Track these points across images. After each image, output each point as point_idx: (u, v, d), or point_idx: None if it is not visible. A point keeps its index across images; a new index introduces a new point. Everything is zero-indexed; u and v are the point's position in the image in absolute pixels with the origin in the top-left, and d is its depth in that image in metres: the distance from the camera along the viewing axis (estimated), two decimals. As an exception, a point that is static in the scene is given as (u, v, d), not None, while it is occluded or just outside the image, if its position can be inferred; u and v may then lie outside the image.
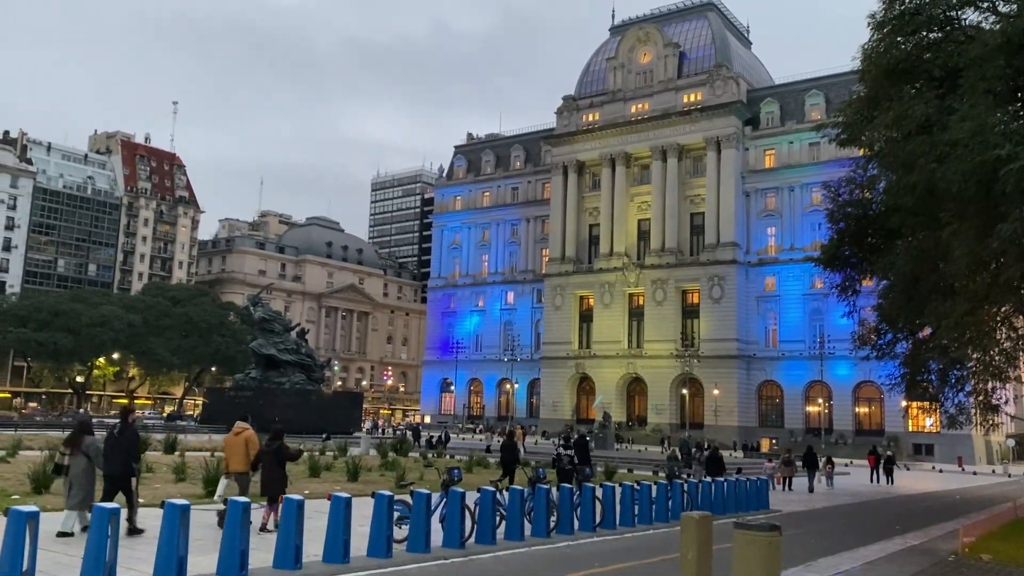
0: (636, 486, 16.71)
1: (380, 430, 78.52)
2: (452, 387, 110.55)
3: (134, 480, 13.21)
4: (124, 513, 11.30)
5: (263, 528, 13.04)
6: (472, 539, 12.53)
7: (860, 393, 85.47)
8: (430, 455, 39.00)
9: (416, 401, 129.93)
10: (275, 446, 13.99)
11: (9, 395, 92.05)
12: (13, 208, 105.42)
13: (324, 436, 44.85)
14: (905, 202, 18.47)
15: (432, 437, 54.30)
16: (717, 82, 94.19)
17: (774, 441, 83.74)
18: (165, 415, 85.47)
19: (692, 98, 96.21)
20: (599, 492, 15.66)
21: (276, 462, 13.79)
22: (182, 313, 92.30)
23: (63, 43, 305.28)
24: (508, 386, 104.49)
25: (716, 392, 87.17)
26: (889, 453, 51.58)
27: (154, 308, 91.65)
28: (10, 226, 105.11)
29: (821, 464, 38.12)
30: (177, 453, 30.15)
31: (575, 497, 14.81)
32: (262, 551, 10.68)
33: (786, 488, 33.70)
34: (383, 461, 29.30)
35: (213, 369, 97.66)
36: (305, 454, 32.05)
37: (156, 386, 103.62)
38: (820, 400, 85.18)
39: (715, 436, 77.78)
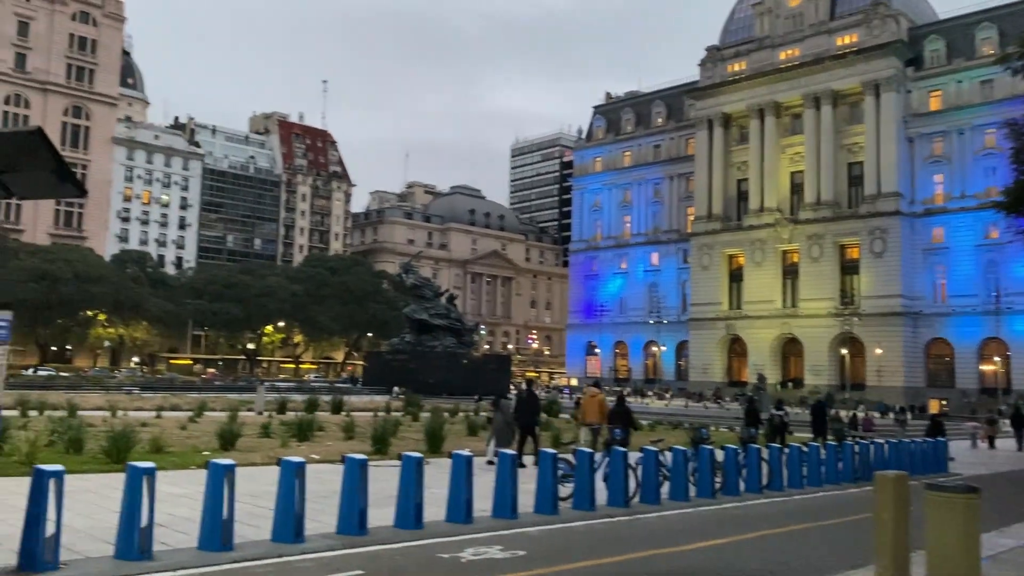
0: (804, 447, 16.07)
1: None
2: (597, 350, 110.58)
3: (537, 429, 18.33)
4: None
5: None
6: (636, 499, 12.45)
7: (1044, 350, 78.67)
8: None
9: (560, 364, 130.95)
10: (623, 408, 18.07)
11: (190, 362, 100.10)
12: (185, 189, 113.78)
13: (476, 397, 45.96)
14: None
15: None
16: (874, 21, 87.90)
17: (943, 402, 78.55)
18: (340, 377, 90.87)
19: (847, 40, 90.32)
20: (765, 453, 15.16)
21: (623, 418, 17.68)
22: (340, 282, 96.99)
23: (217, 32, 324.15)
24: (654, 348, 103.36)
25: (879, 351, 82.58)
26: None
27: (314, 278, 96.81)
28: (184, 206, 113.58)
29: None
30: (344, 413, 31.80)
31: (740, 458, 14.40)
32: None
33: (990, 447, 32.68)
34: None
35: (369, 334, 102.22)
36: (460, 414, 33.11)
37: (319, 351, 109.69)
38: (996, 358, 79.04)
39: (878, 397, 73.87)
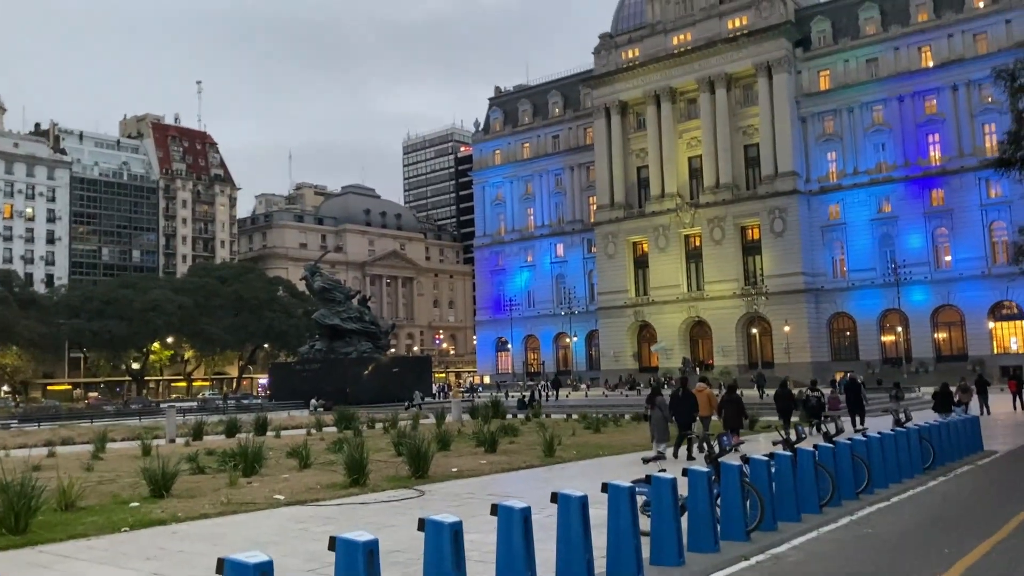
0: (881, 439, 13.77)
1: (443, 394, 76.24)
2: (508, 345, 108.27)
3: (694, 426, 19.49)
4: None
5: (735, 448, 16.16)
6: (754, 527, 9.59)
7: (939, 318, 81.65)
8: (519, 416, 36.32)
9: (468, 363, 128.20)
10: (734, 397, 19.94)
11: (69, 386, 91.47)
12: (52, 200, 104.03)
13: (407, 404, 42.54)
14: None
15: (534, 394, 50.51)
16: (763, 3, 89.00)
17: (849, 374, 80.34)
18: (228, 395, 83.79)
19: (738, 23, 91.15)
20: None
21: (735, 408, 19.59)
22: (231, 291, 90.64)
23: (78, 31, 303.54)
24: (566, 340, 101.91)
25: (786, 329, 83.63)
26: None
27: (203, 289, 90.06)
28: (51, 218, 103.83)
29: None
30: (272, 433, 27.84)
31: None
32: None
33: (965, 413, 32.25)
34: (500, 426, 26.48)
35: (266, 346, 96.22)
36: (402, 423, 29.69)
37: (211, 367, 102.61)
38: (898, 329, 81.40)
39: (788, 374, 74.32)
